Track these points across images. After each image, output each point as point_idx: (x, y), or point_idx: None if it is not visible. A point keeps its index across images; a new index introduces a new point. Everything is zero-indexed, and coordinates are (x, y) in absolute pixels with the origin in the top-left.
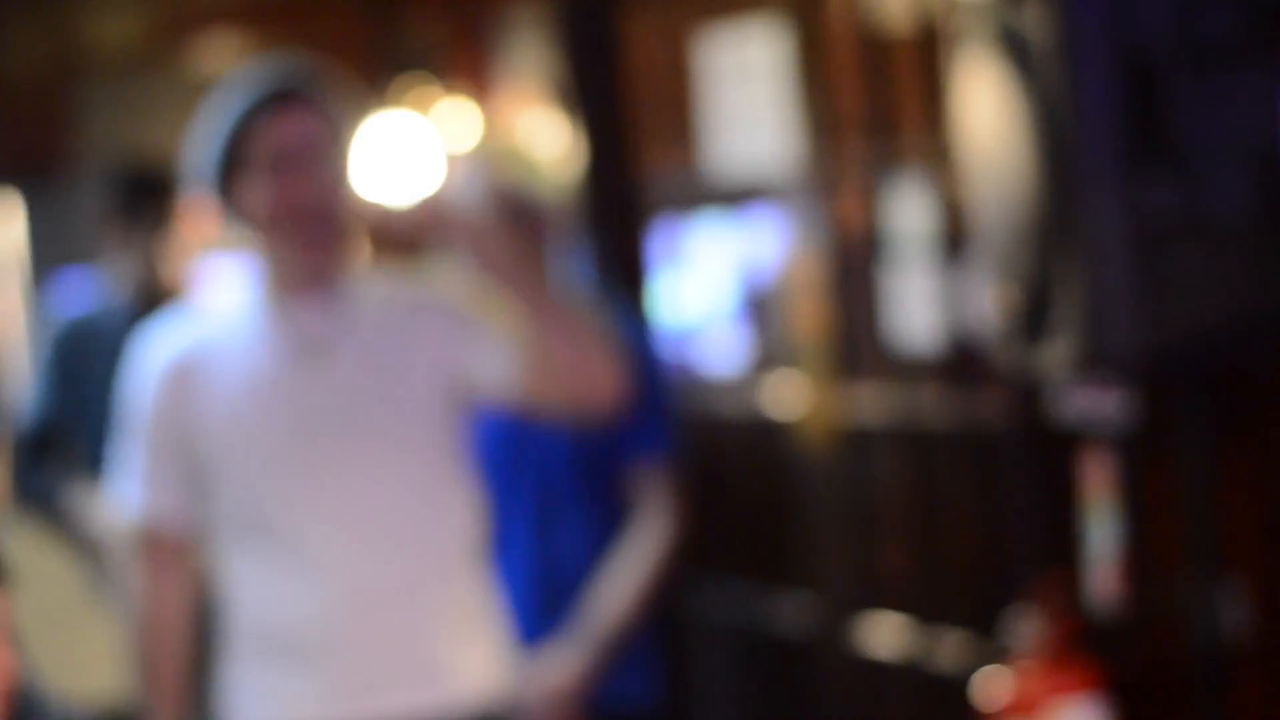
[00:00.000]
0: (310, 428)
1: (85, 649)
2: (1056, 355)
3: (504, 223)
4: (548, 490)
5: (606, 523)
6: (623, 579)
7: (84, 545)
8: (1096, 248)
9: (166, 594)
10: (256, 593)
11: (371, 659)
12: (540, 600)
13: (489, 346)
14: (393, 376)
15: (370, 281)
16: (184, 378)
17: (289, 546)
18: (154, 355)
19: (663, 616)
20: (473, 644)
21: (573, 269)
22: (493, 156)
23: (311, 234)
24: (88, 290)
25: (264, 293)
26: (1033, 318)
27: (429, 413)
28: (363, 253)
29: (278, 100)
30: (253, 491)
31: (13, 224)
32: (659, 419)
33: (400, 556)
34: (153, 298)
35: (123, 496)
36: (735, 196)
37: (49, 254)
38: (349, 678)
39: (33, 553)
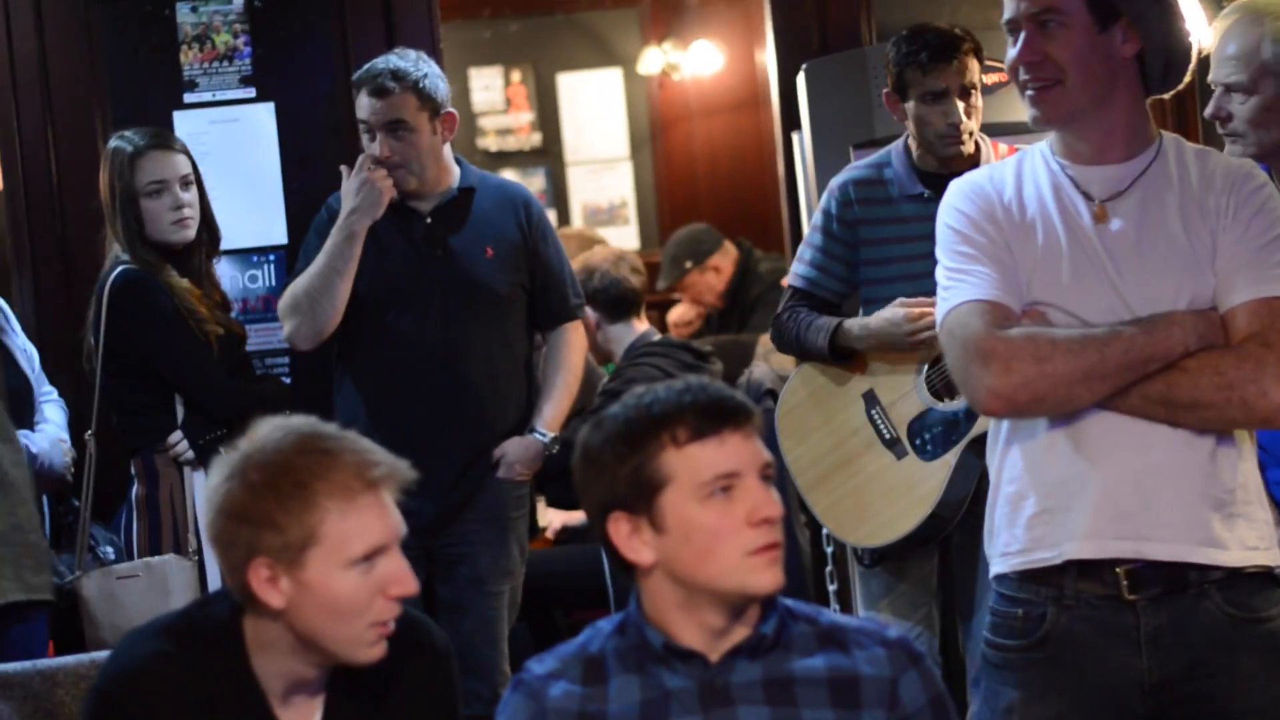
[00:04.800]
0: (1091, 279)
1: (863, 491)
2: None
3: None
4: None
5: None
6: None
7: (857, 393)
8: None
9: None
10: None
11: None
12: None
13: (1238, 282)
14: (1174, 244)
15: (1176, 150)
16: (987, 200)
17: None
18: (957, 187)
19: None
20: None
21: None
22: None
23: (1029, 96)
24: (874, 158)
25: (1054, 151)
26: None
27: (1204, 281)
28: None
29: None
30: None
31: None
32: None
33: None
34: (935, 161)
35: (954, 298)
36: None
37: (835, 129)
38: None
39: (810, 405)
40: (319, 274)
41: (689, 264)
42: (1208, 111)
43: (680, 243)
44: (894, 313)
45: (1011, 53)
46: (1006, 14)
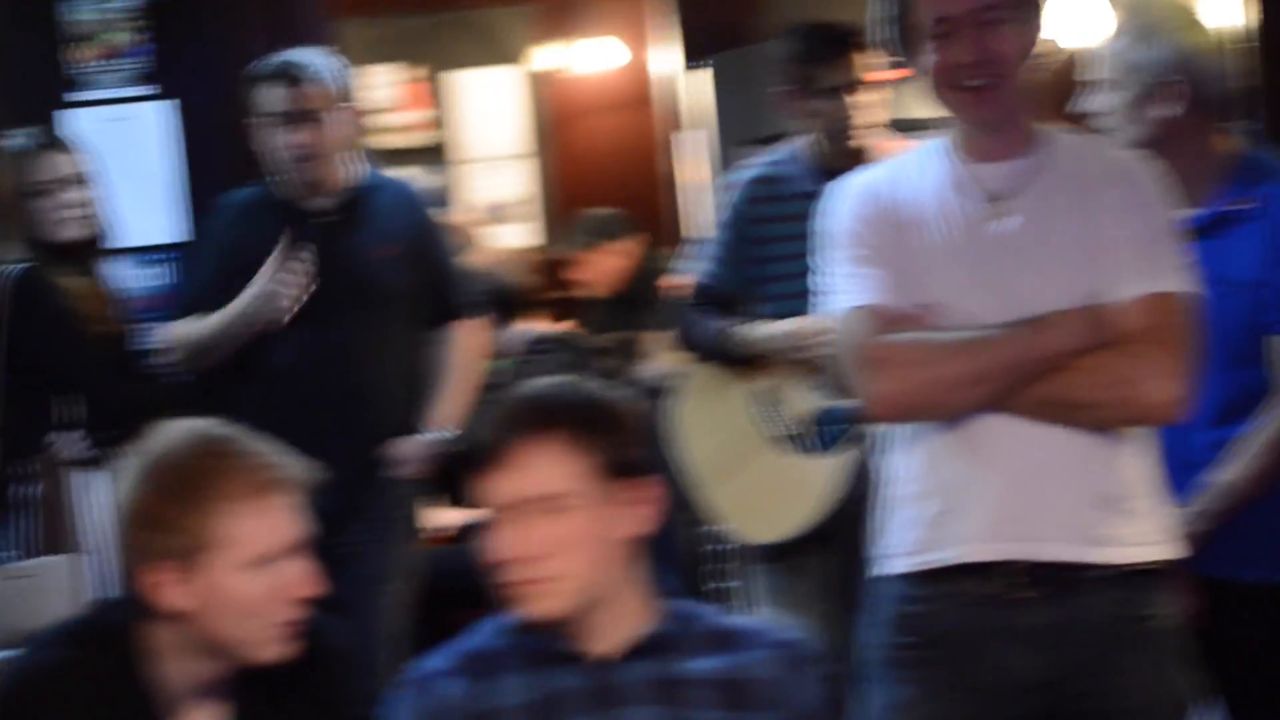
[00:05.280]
0: (988, 277)
1: (760, 487)
2: None
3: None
4: None
5: (1242, 391)
6: (1248, 450)
7: (767, 389)
8: None
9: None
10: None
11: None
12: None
13: (1128, 277)
14: (1069, 240)
15: (1068, 144)
16: (881, 201)
17: None
18: (850, 187)
19: None
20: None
21: (1242, 135)
22: (1157, 19)
23: (970, 95)
24: (774, 155)
25: (950, 144)
26: None
27: (1098, 276)
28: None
29: None
30: None
31: (705, 93)
32: None
33: None
34: (837, 158)
35: (843, 303)
36: None
37: (741, 123)
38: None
39: (707, 402)
40: (210, 336)
41: (602, 238)
42: (1085, 104)
43: (599, 218)
44: (789, 327)
45: (944, 54)
46: (939, 11)
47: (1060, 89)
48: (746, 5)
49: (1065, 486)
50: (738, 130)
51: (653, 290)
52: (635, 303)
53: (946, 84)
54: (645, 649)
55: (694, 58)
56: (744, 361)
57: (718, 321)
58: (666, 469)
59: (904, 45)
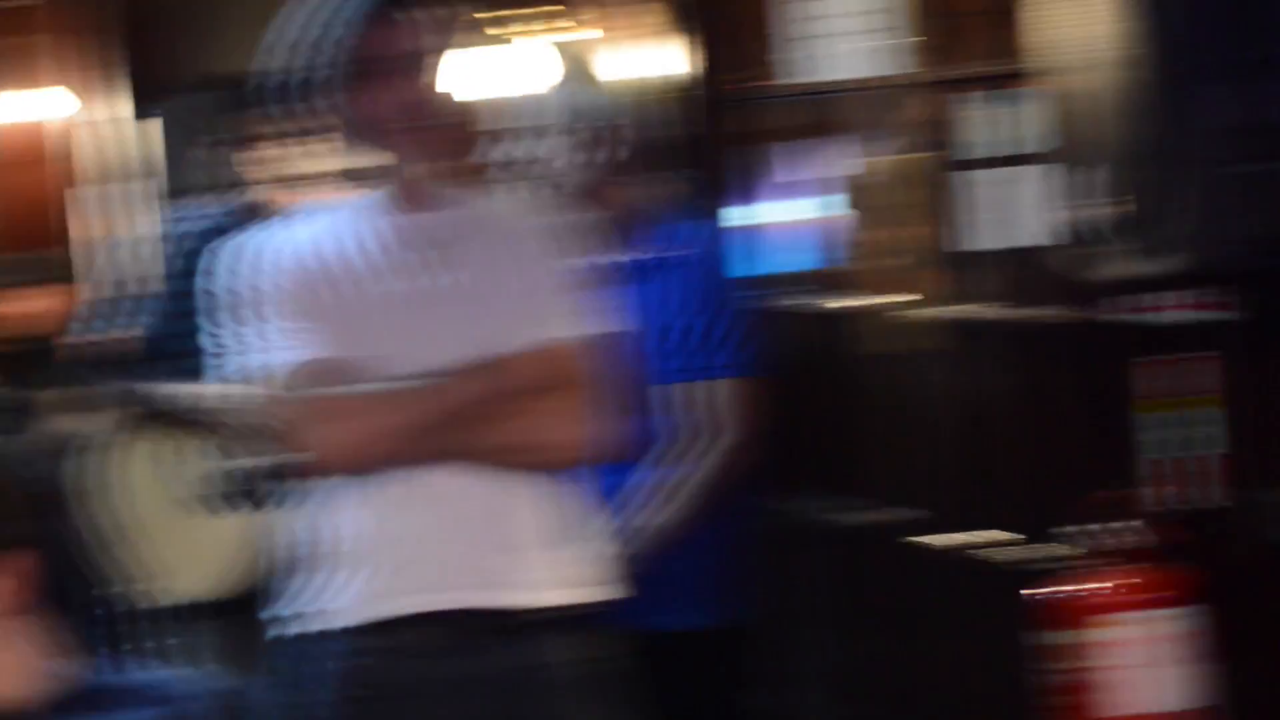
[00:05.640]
0: (408, 327)
1: (188, 546)
2: (1159, 260)
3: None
4: None
5: (661, 434)
6: (673, 494)
7: (191, 447)
8: (1205, 154)
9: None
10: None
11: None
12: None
13: (529, 326)
14: (493, 290)
15: (481, 196)
16: (307, 254)
17: None
18: (267, 243)
19: (727, 533)
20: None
21: (658, 187)
22: (573, 78)
23: (422, 136)
24: (205, 207)
25: (375, 196)
26: (1136, 224)
27: (498, 332)
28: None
29: (376, 8)
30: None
31: (148, 142)
32: (722, 337)
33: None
34: (251, 213)
35: (276, 359)
36: (823, 103)
37: (190, 173)
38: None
39: (138, 459)
40: None
41: (43, 279)
42: (507, 153)
43: (51, 259)
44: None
45: (395, 93)
46: (389, 50)
47: (464, 140)
48: (198, 54)
49: (484, 535)
50: (186, 180)
51: (61, 345)
52: (45, 356)
53: (394, 126)
54: (40, 712)
55: (144, 106)
56: (171, 421)
57: (147, 379)
58: (64, 532)
59: (335, 93)
